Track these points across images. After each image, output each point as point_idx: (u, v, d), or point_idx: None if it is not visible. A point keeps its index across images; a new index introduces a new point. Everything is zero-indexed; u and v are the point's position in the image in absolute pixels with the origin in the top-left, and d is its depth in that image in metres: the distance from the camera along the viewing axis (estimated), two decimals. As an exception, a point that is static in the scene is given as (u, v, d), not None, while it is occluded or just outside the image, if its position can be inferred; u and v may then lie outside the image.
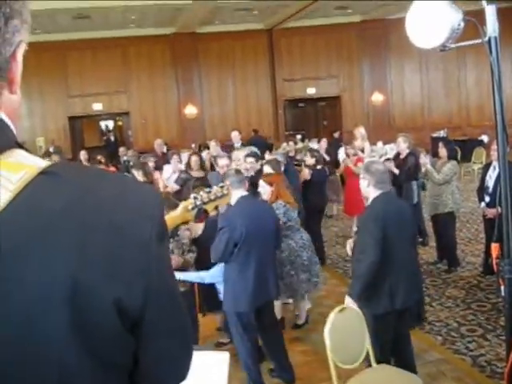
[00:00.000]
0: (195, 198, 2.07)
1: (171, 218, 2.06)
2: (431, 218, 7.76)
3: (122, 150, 13.37)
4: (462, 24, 2.39)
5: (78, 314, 0.79)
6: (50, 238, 0.81)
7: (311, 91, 20.72)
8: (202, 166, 8.82)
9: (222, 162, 7.82)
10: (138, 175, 7.47)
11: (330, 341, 3.77)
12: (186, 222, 2.74)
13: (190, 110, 19.28)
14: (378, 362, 4.05)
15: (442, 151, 7.75)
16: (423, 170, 7.73)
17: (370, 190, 4.32)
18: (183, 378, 1.01)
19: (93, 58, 18.55)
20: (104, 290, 0.81)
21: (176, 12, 16.10)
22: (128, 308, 0.84)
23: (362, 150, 10.29)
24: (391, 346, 4.26)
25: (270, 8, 16.76)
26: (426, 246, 8.63)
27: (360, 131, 11.08)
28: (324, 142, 12.86)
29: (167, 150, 13.04)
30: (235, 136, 11.00)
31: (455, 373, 4.79)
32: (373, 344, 4.03)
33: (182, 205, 2.06)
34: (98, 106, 19.23)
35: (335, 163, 11.92)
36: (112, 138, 19.38)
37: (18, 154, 0.88)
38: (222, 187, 2.16)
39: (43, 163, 0.88)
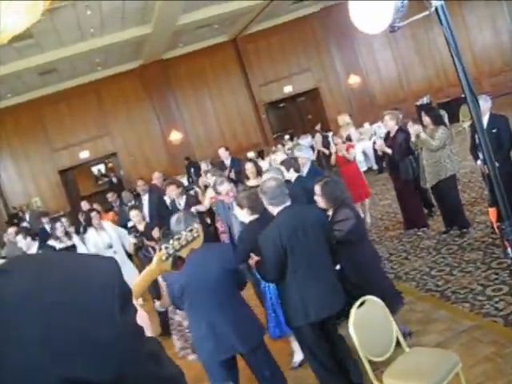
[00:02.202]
0: (166, 247, 2.06)
1: (148, 271, 2.04)
2: (432, 187, 7.68)
3: (109, 195, 13.27)
4: (406, 1, 2.36)
5: None
6: (10, 336, 0.80)
7: (288, 89, 20.71)
8: (259, 173, 8.01)
9: (224, 187, 6.88)
10: (137, 215, 7.41)
11: (356, 336, 3.74)
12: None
13: (175, 136, 19.26)
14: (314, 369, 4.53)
15: (426, 119, 7.75)
16: (413, 139, 7.67)
17: (271, 209, 4.37)
18: None
19: (68, 108, 18.59)
20: (74, 373, 0.80)
21: (138, 44, 16.13)
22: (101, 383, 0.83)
23: (350, 138, 10.26)
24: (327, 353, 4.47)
25: (228, 19, 16.78)
26: (435, 216, 8.59)
27: (343, 119, 11.10)
28: (319, 137, 12.57)
29: (163, 180, 12.92)
30: (223, 152, 10.85)
31: (490, 336, 4.74)
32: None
33: (156, 257, 2.05)
34: (84, 154, 19.23)
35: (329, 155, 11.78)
36: (114, 180, 19.21)
37: None
38: (191, 230, 2.14)
39: None
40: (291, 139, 17.57)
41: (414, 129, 7.77)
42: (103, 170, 24.44)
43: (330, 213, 4.91)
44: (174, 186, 9.05)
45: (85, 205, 12.38)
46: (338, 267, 4.75)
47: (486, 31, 21.31)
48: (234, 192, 6.79)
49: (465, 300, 5.58)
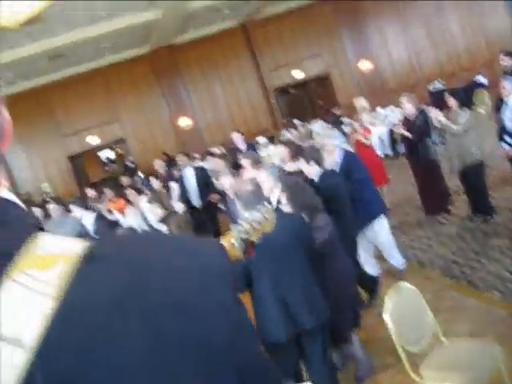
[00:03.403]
0: (238, 230, 1.84)
1: None
2: (460, 172, 7.47)
3: (124, 179, 13.12)
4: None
5: None
6: (114, 340, 0.62)
7: (298, 75, 20.46)
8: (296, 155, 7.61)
9: (225, 181, 6.28)
10: (155, 209, 7.17)
11: (392, 324, 3.59)
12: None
13: (185, 122, 19.08)
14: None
15: (450, 101, 7.51)
16: (437, 124, 7.48)
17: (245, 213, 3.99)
18: None
19: (77, 94, 18.39)
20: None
21: (148, 29, 15.90)
22: None
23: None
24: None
25: (238, 3, 16.53)
26: (456, 202, 8.39)
27: (359, 102, 10.87)
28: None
29: (169, 166, 12.66)
30: (237, 137, 10.50)
31: (525, 325, 4.59)
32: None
33: (225, 241, 1.82)
34: (93, 140, 19.09)
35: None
36: (130, 164, 18.73)
37: (43, 240, 0.68)
38: (263, 212, 1.93)
39: (79, 245, 0.69)
40: (302, 124, 17.34)
41: (434, 114, 7.59)
42: (111, 156, 24.28)
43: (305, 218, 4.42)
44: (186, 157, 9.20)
45: (90, 192, 12.16)
46: None
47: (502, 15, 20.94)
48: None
49: (495, 287, 5.42)
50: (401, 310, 3.74)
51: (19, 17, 8.25)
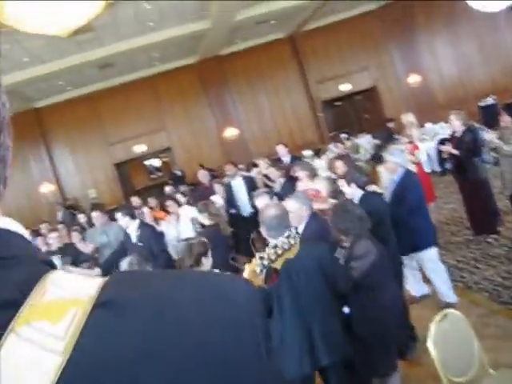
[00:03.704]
0: (261, 257, 1.75)
1: None
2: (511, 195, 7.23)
3: (168, 189, 13.12)
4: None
5: None
6: None
7: (345, 88, 20.28)
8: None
9: (260, 202, 6.10)
10: (203, 218, 6.89)
11: (436, 353, 3.44)
12: None
13: (230, 133, 19.10)
14: None
15: (505, 119, 7.20)
16: (493, 146, 7.23)
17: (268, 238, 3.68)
18: None
19: (125, 102, 18.66)
20: None
21: (196, 40, 16.03)
22: None
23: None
24: None
25: (286, 15, 16.50)
26: (505, 223, 8.12)
27: (407, 118, 10.68)
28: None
29: (212, 177, 12.57)
30: (281, 149, 10.51)
31: None
32: None
33: (248, 269, 1.73)
34: (140, 148, 19.28)
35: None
36: (179, 173, 18.56)
37: (53, 284, 0.60)
38: (288, 237, 1.85)
39: (94, 285, 0.61)
40: (348, 138, 17.12)
41: (488, 136, 7.36)
42: (156, 165, 24.51)
43: (347, 244, 4.20)
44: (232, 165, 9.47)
45: (135, 200, 12.15)
46: (346, 310, 4.05)
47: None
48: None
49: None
50: (446, 337, 3.59)
51: (70, 26, 8.36)
